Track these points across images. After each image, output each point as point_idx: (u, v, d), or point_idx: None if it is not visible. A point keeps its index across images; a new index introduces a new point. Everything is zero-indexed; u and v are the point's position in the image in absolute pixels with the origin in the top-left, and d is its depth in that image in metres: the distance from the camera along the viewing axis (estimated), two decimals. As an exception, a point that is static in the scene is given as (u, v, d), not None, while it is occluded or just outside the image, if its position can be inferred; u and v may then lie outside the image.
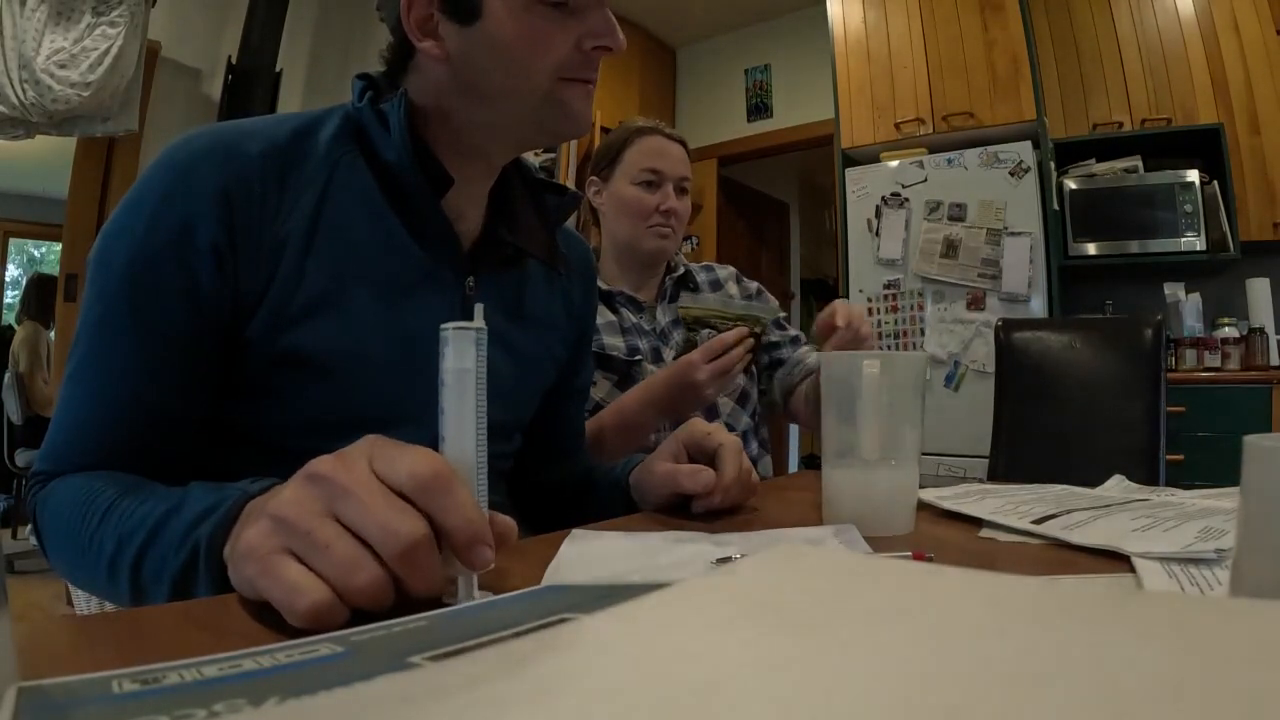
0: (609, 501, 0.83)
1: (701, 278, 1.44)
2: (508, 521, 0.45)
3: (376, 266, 0.68)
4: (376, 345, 0.67)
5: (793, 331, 1.44)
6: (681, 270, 1.40)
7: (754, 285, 1.47)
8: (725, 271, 1.48)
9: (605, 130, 4.13)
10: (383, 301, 0.68)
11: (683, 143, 1.35)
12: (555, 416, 0.95)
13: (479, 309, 0.45)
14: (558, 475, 0.95)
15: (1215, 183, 2.96)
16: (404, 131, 0.67)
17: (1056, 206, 3.09)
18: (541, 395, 0.89)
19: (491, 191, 0.79)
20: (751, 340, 1.09)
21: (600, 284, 1.31)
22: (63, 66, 2.56)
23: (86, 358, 0.62)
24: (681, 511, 0.75)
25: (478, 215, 0.78)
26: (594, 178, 1.38)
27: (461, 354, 0.43)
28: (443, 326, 0.43)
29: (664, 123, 1.36)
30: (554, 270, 0.85)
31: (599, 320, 1.30)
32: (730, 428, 1.29)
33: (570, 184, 4.13)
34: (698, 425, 0.79)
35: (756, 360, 1.16)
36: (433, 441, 0.69)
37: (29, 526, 0.66)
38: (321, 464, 0.40)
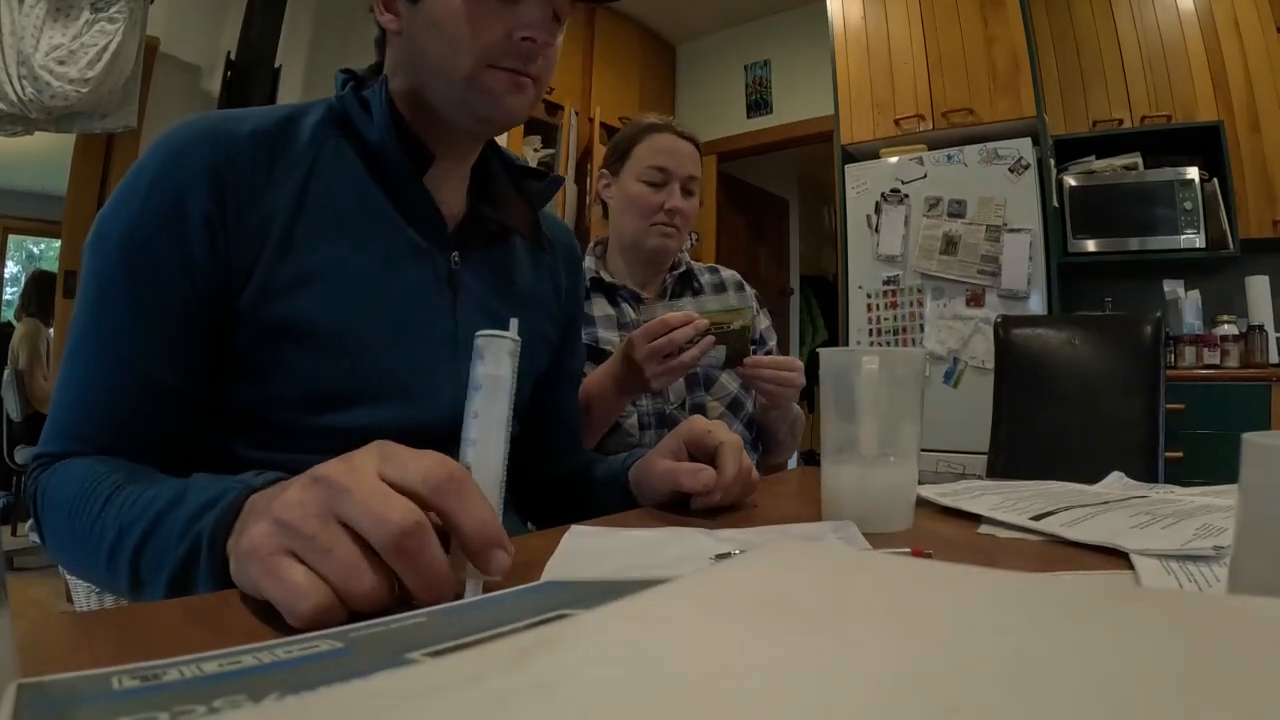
0: (608, 496, 0.84)
1: (705, 279, 1.42)
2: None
3: (363, 240, 0.70)
4: (365, 316, 0.69)
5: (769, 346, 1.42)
6: (684, 268, 1.39)
7: (752, 292, 1.45)
8: (730, 274, 1.46)
9: (606, 127, 4.14)
10: (370, 273, 0.70)
11: (694, 141, 1.34)
12: (551, 403, 0.95)
13: (514, 323, 0.46)
14: (557, 470, 0.95)
15: (1215, 180, 2.96)
16: (386, 112, 0.70)
17: (1056, 203, 3.09)
18: (535, 377, 0.90)
19: (474, 175, 0.81)
20: (709, 329, 1.05)
21: (604, 276, 1.32)
22: (61, 63, 2.55)
23: (85, 333, 0.64)
24: (680, 508, 0.75)
25: (460, 196, 0.80)
26: (604, 170, 1.37)
27: (497, 361, 0.44)
28: (478, 334, 0.44)
29: (677, 121, 1.35)
30: (539, 249, 0.87)
31: (598, 314, 1.29)
32: None
33: (569, 180, 4.10)
34: (698, 423, 0.79)
35: (738, 361, 1.14)
36: (422, 416, 0.71)
37: (29, 523, 0.65)
38: (327, 466, 0.40)
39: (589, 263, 1.35)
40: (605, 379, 1.11)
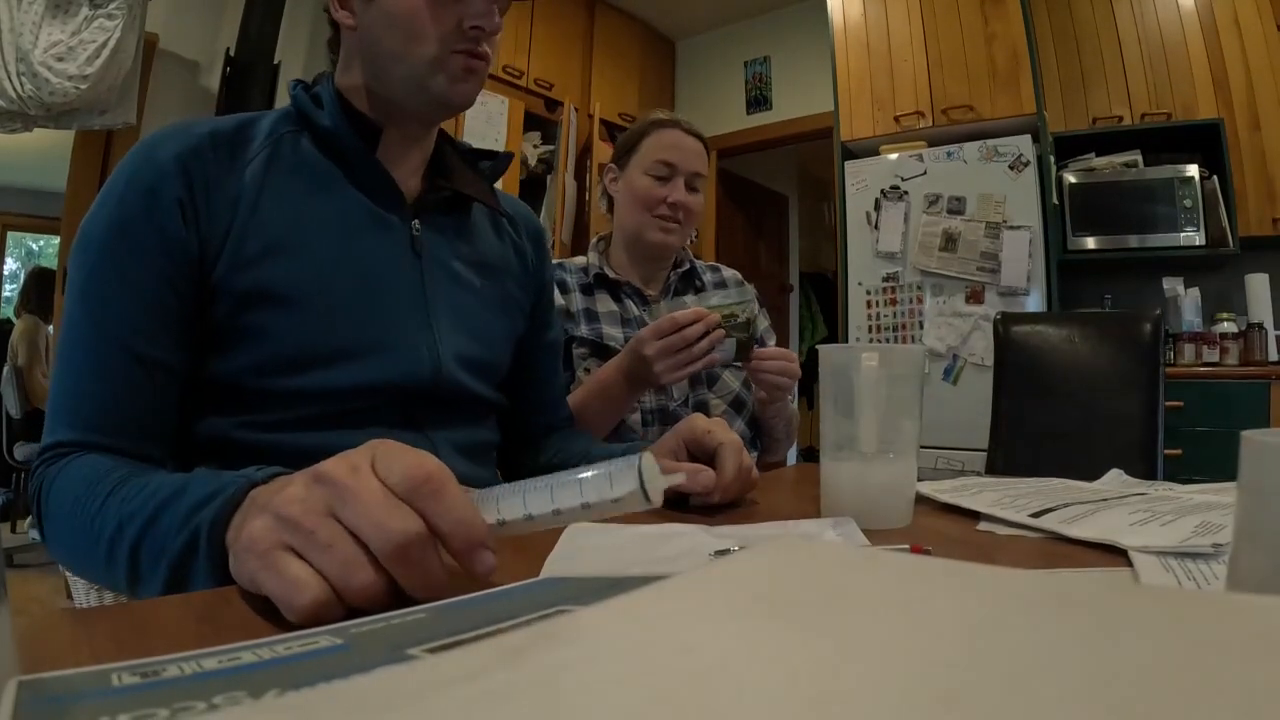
0: None
1: (707, 277, 1.43)
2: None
3: (325, 212, 0.76)
4: (332, 280, 0.73)
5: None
6: (687, 266, 1.40)
7: (752, 289, 1.47)
8: (731, 273, 1.47)
9: (606, 123, 4.13)
10: (335, 241, 0.75)
11: (701, 139, 1.34)
12: (535, 375, 0.99)
13: (659, 492, 0.44)
14: (553, 456, 0.96)
15: (1215, 178, 2.95)
16: (334, 100, 0.78)
17: (1056, 200, 3.09)
18: (514, 343, 0.93)
19: (429, 160, 0.87)
20: (719, 324, 1.07)
21: (608, 272, 1.33)
22: (60, 59, 2.54)
23: (75, 322, 0.67)
24: (679, 505, 0.75)
25: (417, 178, 0.86)
26: (612, 165, 1.38)
27: (620, 502, 0.43)
28: (655, 463, 0.44)
29: (685, 118, 1.36)
30: (497, 215, 0.93)
31: (602, 309, 1.30)
32: None
33: (569, 176, 4.07)
34: (698, 422, 0.79)
35: (747, 352, 1.15)
36: (403, 371, 0.75)
37: (29, 520, 0.66)
38: (327, 465, 0.40)
39: (593, 258, 1.35)
40: (614, 375, 1.12)
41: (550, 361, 1.03)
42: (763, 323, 1.42)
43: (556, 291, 1.29)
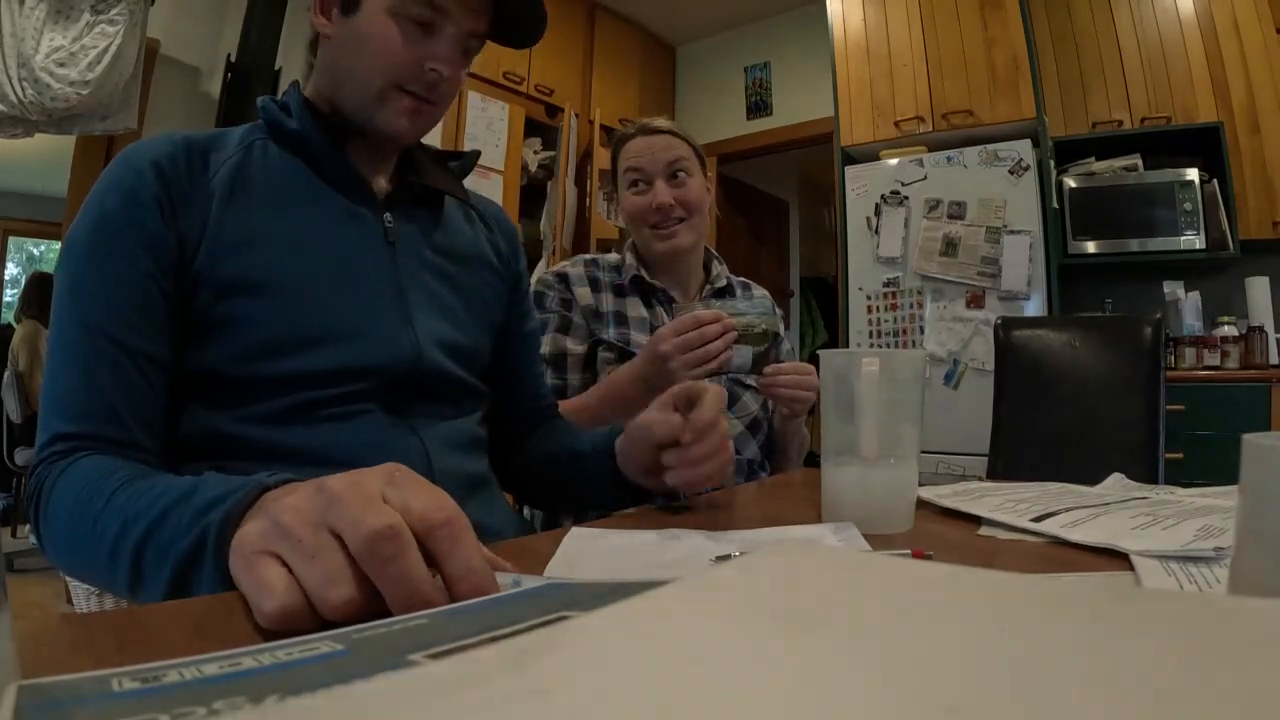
0: (596, 473, 0.86)
1: (739, 294, 1.41)
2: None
3: (298, 208, 0.78)
4: (307, 270, 0.75)
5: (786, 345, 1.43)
6: (724, 282, 1.38)
7: (780, 313, 1.46)
8: (761, 292, 1.45)
9: (606, 129, 4.14)
10: (308, 234, 0.77)
11: (670, 131, 1.31)
12: (517, 365, 1.01)
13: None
14: (544, 447, 0.97)
15: (1215, 181, 2.96)
16: (301, 105, 0.81)
17: (1056, 205, 3.09)
18: (493, 331, 0.94)
19: (397, 161, 0.89)
20: (735, 330, 1.07)
21: (645, 275, 1.31)
22: (62, 65, 2.54)
23: (65, 320, 0.69)
24: (679, 511, 0.75)
25: (386, 176, 0.88)
26: (612, 191, 1.38)
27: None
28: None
29: (651, 119, 1.33)
30: (469, 209, 0.95)
31: (631, 314, 1.29)
32: (737, 452, 1.26)
33: (569, 182, 4.07)
34: (692, 384, 0.80)
35: (763, 364, 1.14)
36: (383, 354, 0.76)
37: (29, 524, 0.66)
38: (334, 479, 0.40)
39: (629, 259, 1.33)
40: (629, 378, 1.11)
41: (530, 352, 1.05)
42: (786, 345, 1.41)
43: (587, 288, 1.28)
